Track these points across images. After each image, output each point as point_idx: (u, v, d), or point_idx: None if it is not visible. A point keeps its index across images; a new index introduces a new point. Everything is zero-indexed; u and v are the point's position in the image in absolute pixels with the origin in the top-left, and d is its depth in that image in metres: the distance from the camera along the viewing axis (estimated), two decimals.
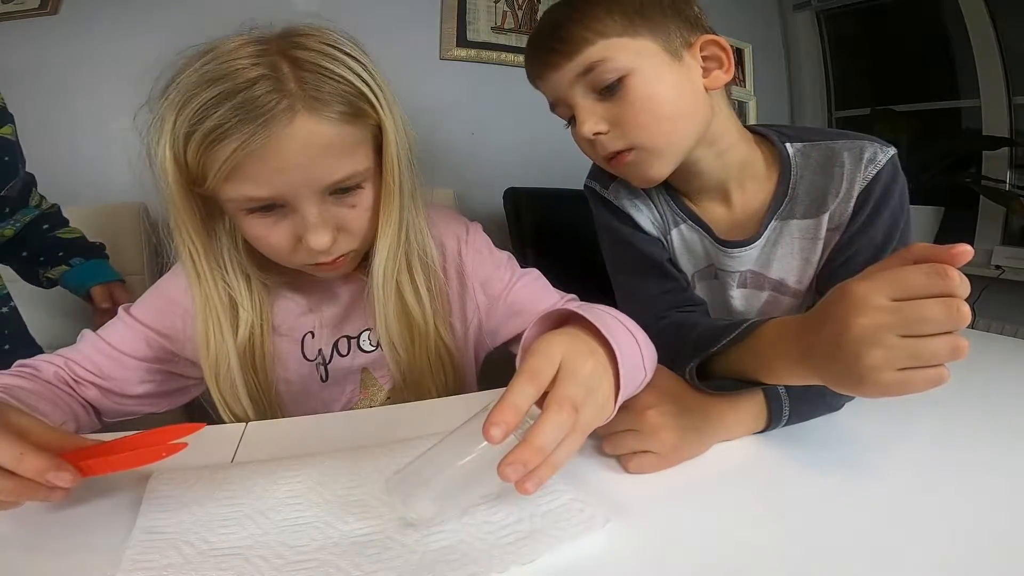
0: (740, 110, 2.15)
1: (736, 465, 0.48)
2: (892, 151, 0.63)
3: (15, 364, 0.58)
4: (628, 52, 0.59)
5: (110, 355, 0.60)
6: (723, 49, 0.63)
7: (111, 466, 0.37)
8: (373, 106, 0.54)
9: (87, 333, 0.61)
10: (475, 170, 1.71)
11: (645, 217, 0.72)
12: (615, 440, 0.47)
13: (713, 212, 0.71)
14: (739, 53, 2.13)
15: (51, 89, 1.34)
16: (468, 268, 0.69)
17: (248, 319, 0.61)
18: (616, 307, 0.50)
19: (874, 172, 0.61)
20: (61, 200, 1.08)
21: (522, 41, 1.73)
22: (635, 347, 0.45)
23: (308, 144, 0.51)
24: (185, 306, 0.61)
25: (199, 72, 0.50)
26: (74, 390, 0.58)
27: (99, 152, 1.33)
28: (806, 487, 0.45)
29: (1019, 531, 0.39)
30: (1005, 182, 1.86)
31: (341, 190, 0.55)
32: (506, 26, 1.73)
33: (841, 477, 0.46)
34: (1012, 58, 1.80)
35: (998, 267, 1.78)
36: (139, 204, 1.22)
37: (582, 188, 0.77)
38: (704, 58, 0.63)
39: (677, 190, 0.72)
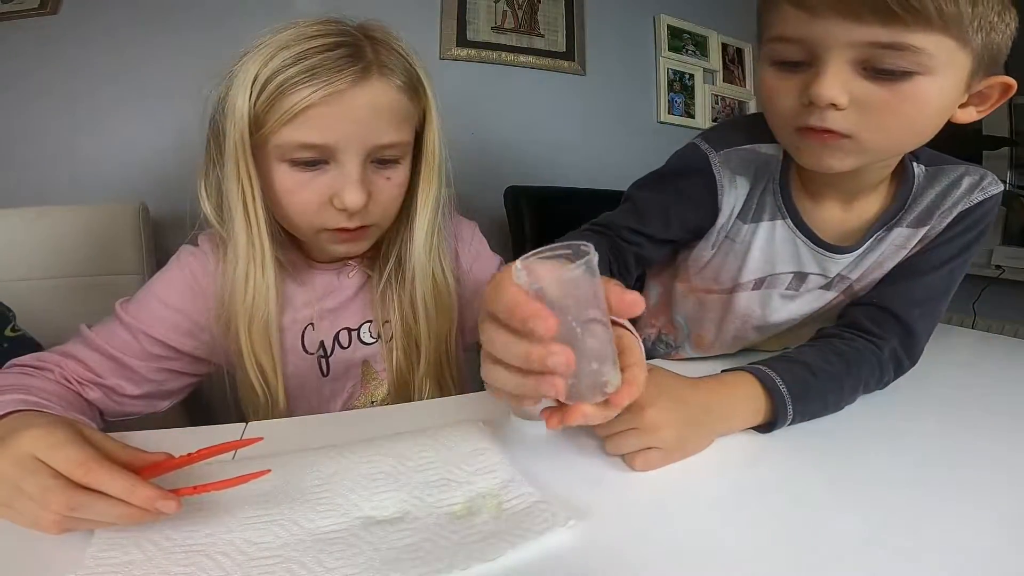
0: (740, 110, 2.15)
1: (704, 462, 0.48)
2: (1001, 187, 0.63)
3: (10, 363, 0.56)
4: (945, 56, 0.48)
5: (112, 359, 0.60)
6: (1004, 93, 0.54)
7: (199, 490, 0.38)
8: (425, 90, 0.63)
9: (85, 332, 0.61)
10: (475, 170, 1.71)
11: (733, 197, 0.64)
12: (617, 440, 0.47)
13: (827, 212, 0.65)
14: (739, 53, 2.13)
15: (51, 89, 1.34)
16: (463, 267, 0.71)
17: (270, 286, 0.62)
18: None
19: (980, 199, 0.62)
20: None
21: (522, 41, 1.73)
22: None
23: (373, 102, 0.57)
24: (184, 310, 0.62)
25: (284, 38, 0.56)
26: (78, 391, 0.58)
27: (99, 152, 1.33)
28: (779, 483, 0.45)
29: (1019, 529, 0.39)
30: (1005, 182, 1.87)
31: (381, 160, 0.60)
32: (506, 26, 1.73)
33: (829, 478, 0.46)
34: (1012, 58, 1.80)
35: (998, 267, 1.78)
36: (139, 204, 1.22)
37: (581, 186, 0.75)
38: (977, 92, 0.54)
39: (790, 181, 0.64)
